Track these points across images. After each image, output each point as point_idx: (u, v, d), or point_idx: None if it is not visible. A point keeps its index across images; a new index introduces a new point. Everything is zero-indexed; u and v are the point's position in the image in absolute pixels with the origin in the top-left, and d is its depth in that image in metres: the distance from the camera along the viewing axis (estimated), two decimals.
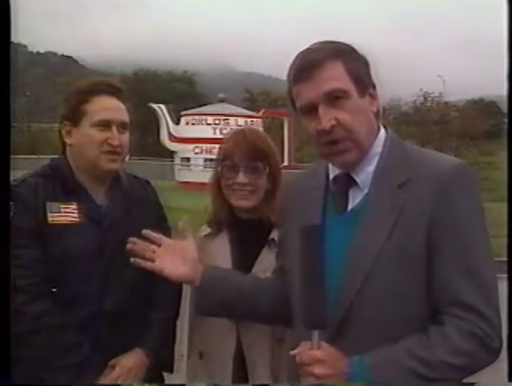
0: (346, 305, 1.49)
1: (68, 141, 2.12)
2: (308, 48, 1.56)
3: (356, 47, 1.57)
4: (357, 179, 1.57)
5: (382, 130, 1.62)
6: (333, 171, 1.64)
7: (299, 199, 1.71)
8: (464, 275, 1.42)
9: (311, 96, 1.51)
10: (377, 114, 1.59)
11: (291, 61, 1.57)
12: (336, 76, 1.50)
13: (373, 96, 1.57)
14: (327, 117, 1.49)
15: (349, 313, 1.49)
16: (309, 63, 1.51)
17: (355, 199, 1.58)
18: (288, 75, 1.58)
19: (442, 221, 1.45)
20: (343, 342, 1.45)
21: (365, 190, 1.56)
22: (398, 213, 1.47)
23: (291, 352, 1.45)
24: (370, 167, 1.57)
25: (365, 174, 1.57)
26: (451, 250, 1.44)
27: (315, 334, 1.39)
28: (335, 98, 1.50)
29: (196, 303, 1.80)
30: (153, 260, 1.71)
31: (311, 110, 1.52)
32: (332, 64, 1.50)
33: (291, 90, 1.58)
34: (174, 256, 1.73)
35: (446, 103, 41.02)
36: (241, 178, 2.08)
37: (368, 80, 1.56)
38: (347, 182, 1.59)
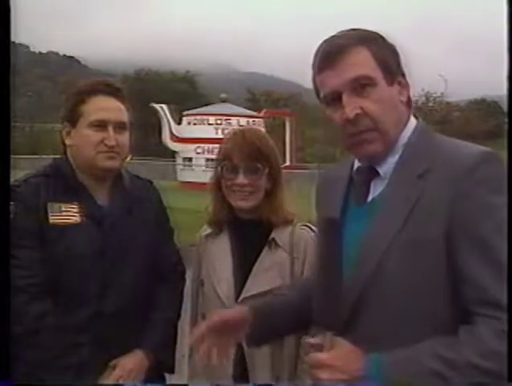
0: (355, 297, 1.42)
1: (67, 142, 2.12)
2: (334, 35, 1.48)
3: (384, 35, 1.49)
4: (380, 170, 1.49)
5: (413, 120, 1.52)
6: (358, 161, 1.57)
7: (324, 190, 1.67)
8: (494, 274, 1.30)
9: (335, 84, 1.43)
10: (407, 104, 1.50)
11: (315, 49, 1.49)
12: (361, 63, 1.42)
13: (402, 85, 1.48)
14: (351, 106, 1.41)
15: (359, 306, 1.42)
16: (334, 50, 1.43)
17: (375, 190, 1.51)
18: (313, 64, 1.49)
19: (459, 215, 1.34)
20: (353, 336, 1.38)
21: (386, 181, 1.49)
22: (413, 204, 1.38)
23: (308, 340, 1.39)
24: (394, 158, 1.48)
25: (388, 165, 1.48)
26: (474, 246, 1.33)
27: (328, 335, 1.33)
28: (360, 86, 1.42)
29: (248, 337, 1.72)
30: None
31: (335, 99, 1.44)
32: (358, 50, 1.43)
33: (315, 79, 1.49)
34: None
35: (448, 103, 41.00)
36: (241, 178, 2.07)
37: (396, 68, 1.47)
38: (369, 172, 1.52)
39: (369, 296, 1.42)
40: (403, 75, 1.49)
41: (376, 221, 1.45)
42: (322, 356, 1.32)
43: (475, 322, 1.31)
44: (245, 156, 2.07)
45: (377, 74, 1.43)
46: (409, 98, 1.50)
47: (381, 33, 1.49)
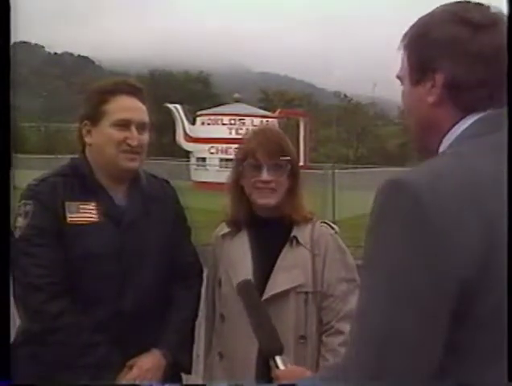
0: None
1: (87, 140, 2.11)
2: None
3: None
4: None
5: (462, 125, 1.23)
6: None
7: None
8: None
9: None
10: (439, 104, 1.25)
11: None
12: (401, 61, 1.35)
13: (435, 84, 1.24)
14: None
15: None
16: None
17: None
18: None
19: None
20: None
21: None
22: None
23: None
24: None
25: None
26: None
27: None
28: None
29: None
30: None
31: None
32: (402, 48, 1.34)
33: None
34: None
35: None
36: (265, 175, 2.08)
37: (429, 65, 1.25)
38: None
39: None
40: (441, 70, 1.23)
41: None
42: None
43: None
44: (269, 153, 2.08)
45: (404, 73, 1.34)
46: (440, 97, 1.25)
47: (436, 23, 1.26)
